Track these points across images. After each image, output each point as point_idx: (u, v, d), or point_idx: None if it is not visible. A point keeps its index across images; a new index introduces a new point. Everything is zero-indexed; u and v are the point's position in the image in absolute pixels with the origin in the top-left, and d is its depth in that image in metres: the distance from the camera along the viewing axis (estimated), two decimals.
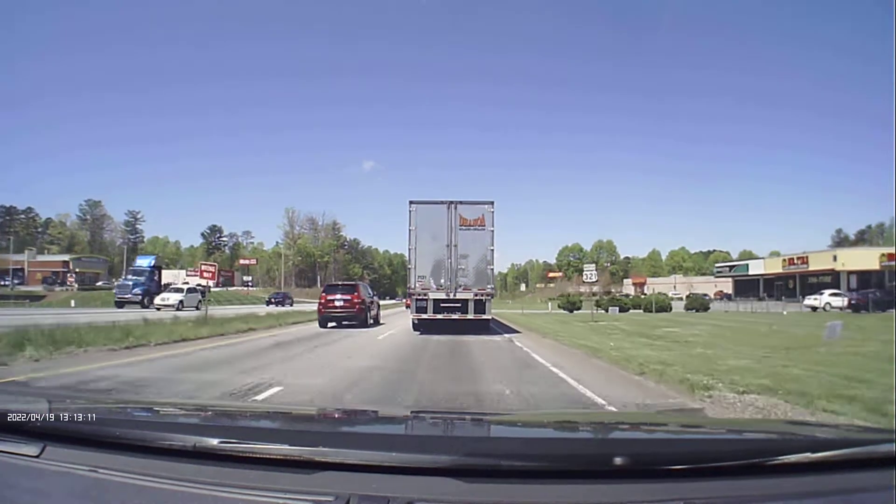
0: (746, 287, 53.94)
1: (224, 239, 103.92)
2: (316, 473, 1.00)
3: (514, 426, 1.70)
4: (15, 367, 6.76)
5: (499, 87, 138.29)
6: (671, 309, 32.11)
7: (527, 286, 40.98)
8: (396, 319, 20.57)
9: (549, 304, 38.23)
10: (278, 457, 1.04)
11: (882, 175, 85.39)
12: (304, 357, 8.47)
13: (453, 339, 11.32)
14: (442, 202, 13.35)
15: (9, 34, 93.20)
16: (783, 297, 42.19)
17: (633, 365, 6.96)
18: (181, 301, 25.68)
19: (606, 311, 28.66)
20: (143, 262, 32.75)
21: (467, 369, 6.61)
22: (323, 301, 16.09)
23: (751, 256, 66.92)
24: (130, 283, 29.19)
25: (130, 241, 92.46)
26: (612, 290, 62.72)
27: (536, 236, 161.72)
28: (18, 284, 56.86)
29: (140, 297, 27.50)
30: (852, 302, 28.63)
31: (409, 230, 13.27)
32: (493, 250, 13.32)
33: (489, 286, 13.38)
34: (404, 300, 40.24)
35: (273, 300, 43.10)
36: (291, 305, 39.37)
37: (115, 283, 36.28)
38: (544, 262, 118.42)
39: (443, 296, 13.11)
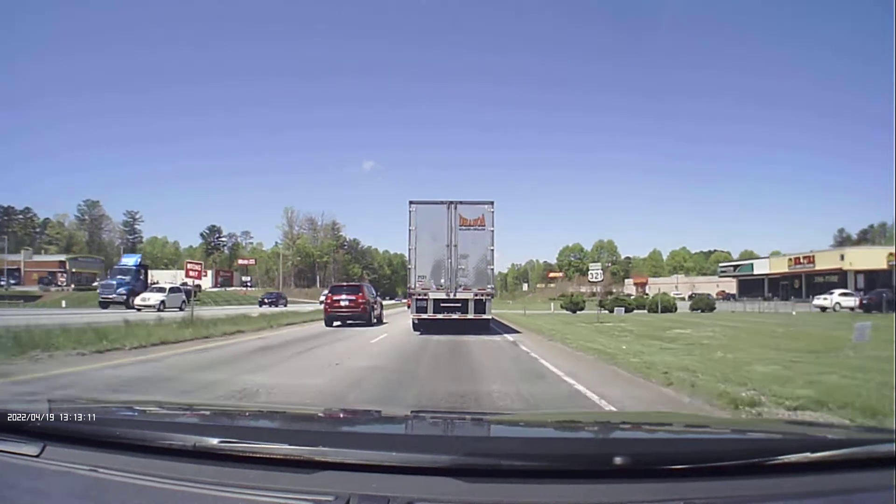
0: (751, 287, 53.18)
1: (223, 239, 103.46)
2: (316, 473, 0.99)
3: (515, 426, 1.70)
4: None
5: (499, 87, 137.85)
6: (676, 309, 31.40)
7: (528, 286, 40.22)
8: (398, 319, 20.61)
9: (552, 304, 37.44)
10: (278, 456, 1.04)
11: (882, 175, 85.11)
12: (284, 365, 7.66)
13: (454, 345, 10.28)
14: (442, 202, 13.28)
15: (8, 34, 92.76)
16: (792, 297, 41.42)
17: (656, 373, 6.18)
18: (162, 301, 24.54)
19: (611, 311, 27.90)
20: (129, 260, 31.62)
21: (470, 386, 5.65)
22: (329, 301, 16.75)
23: (752, 256, 66.36)
24: (114, 282, 28.02)
25: (129, 241, 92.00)
26: (614, 290, 62.04)
27: (537, 236, 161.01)
28: (15, 285, 56.37)
29: (125, 297, 26.43)
30: (864, 302, 27.87)
31: (409, 230, 13.21)
32: (493, 250, 13.25)
33: (489, 286, 13.30)
34: (405, 300, 39.71)
35: (266, 301, 41.87)
36: (285, 306, 38.34)
37: (99, 283, 35.22)
38: (545, 262, 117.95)
39: (443, 296, 13.04)
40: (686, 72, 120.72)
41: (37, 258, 68.33)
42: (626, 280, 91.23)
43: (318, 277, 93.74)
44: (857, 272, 41.14)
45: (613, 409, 4.70)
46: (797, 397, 4.75)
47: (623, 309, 27.93)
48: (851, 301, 30.44)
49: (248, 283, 76.19)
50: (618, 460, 0.98)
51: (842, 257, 42.72)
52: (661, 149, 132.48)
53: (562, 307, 34.13)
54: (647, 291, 64.35)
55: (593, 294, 59.98)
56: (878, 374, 5.97)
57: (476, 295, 13.07)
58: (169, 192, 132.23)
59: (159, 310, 22.33)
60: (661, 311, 29.12)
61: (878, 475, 1.00)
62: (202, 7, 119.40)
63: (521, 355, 9.02)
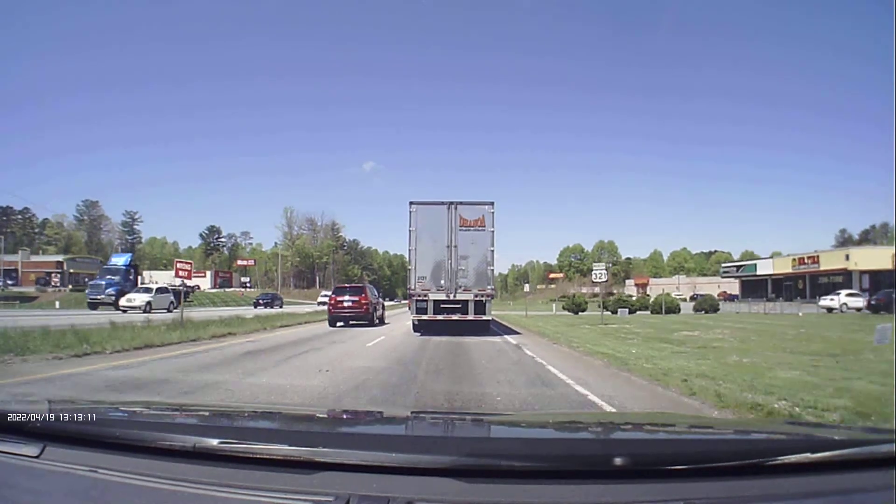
0: (754, 287, 52.65)
1: (223, 240, 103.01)
2: (316, 474, 0.99)
3: (515, 426, 1.69)
4: None
5: (499, 87, 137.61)
6: (680, 310, 30.87)
7: (529, 287, 39.71)
8: (399, 319, 20.63)
9: (553, 305, 36.94)
10: (278, 457, 1.03)
11: (883, 175, 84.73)
12: (271, 371, 7.15)
13: (454, 350, 9.57)
14: (442, 203, 13.20)
15: (8, 34, 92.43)
16: (798, 298, 40.91)
17: (674, 381, 5.66)
18: (149, 303, 23.55)
19: (615, 312, 27.42)
20: (118, 260, 30.88)
21: (473, 397, 5.10)
22: (333, 302, 17.16)
23: (752, 257, 65.97)
24: (103, 283, 27.16)
25: (128, 241, 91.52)
26: (614, 291, 61.48)
27: (537, 237, 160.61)
28: (12, 285, 55.90)
29: (114, 297, 25.55)
30: (872, 302, 27.30)
31: (410, 231, 13.16)
32: (493, 251, 13.19)
33: (489, 287, 13.24)
34: (405, 301, 39.34)
35: (261, 302, 41.12)
36: (281, 307, 37.52)
37: (88, 284, 34.43)
38: (545, 262, 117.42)
39: (443, 297, 13.00)
40: (686, 72, 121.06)
41: (34, 258, 67.77)
42: (626, 281, 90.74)
43: (317, 278, 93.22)
44: (862, 272, 40.61)
45: None
46: (834, 407, 4.29)
47: (627, 310, 27.45)
48: (859, 301, 29.88)
49: (248, 284, 75.82)
50: (618, 461, 0.97)
51: (847, 257, 42.18)
52: (661, 149, 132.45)
53: (563, 308, 33.64)
54: (648, 292, 63.83)
55: (594, 295, 59.56)
56: None
57: (476, 296, 13.00)
58: (168, 193, 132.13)
59: (145, 311, 21.59)
60: (665, 313, 28.60)
61: (879, 475, 0.99)
62: (202, 7, 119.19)
63: (526, 360, 8.45)
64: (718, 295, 54.68)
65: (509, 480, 0.97)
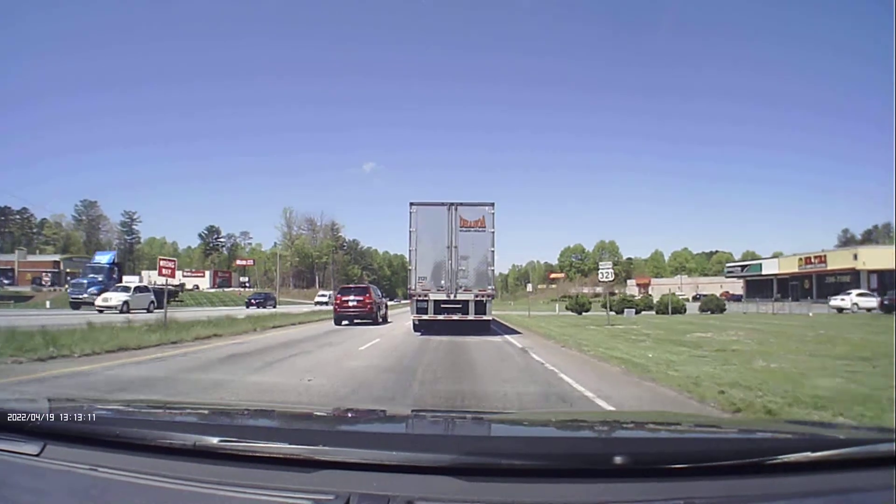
0: (759, 287, 51.77)
1: (222, 240, 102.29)
2: (316, 472, 0.98)
3: (515, 425, 1.68)
4: None
5: (499, 87, 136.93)
6: (685, 310, 30.16)
7: (532, 287, 39.03)
8: (400, 319, 20.65)
9: (556, 305, 36.21)
10: (279, 455, 1.02)
11: (883, 175, 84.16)
12: (248, 380, 6.43)
13: (455, 357, 8.63)
14: (442, 203, 13.24)
15: (7, 34, 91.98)
16: (808, 297, 40.09)
17: (707, 392, 4.92)
18: (125, 302, 22.04)
19: (620, 312, 26.69)
20: (102, 258, 29.99)
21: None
22: (338, 301, 18.01)
23: (754, 257, 65.18)
24: (85, 281, 26.09)
25: (127, 241, 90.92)
26: (616, 291, 60.71)
27: (537, 237, 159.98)
28: (8, 284, 55.32)
29: (96, 296, 24.36)
30: (885, 303, 26.54)
31: (410, 231, 13.19)
32: (493, 251, 13.22)
33: (489, 287, 13.27)
34: (404, 301, 38.72)
35: (253, 302, 39.66)
36: (274, 307, 36.35)
37: (69, 282, 33.44)
38: (545, 262, 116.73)
39: (443, 297, 13.02)
40: (686, 72, 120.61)
41: (31, 258, 67.14)
42: (627, 281, 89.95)
43: (316, 278, 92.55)
44: (870, 272, 39.77)
45: None
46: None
47: (633, 310, 26.72)
48: (871, 301, 29.08)
49: (247, 284, 75.12)
50: (618, 460, 0.97)
51: (855, 257, 41.29)
52: (661, 149, 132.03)
53: (567, 308, 32.97)
54: (650, 292, 63.07)
55: (596, 295, 58.69)
56: None
57: (476, 296, 12.98)
58: (168, 193, 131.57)
59: (122, 311, 20.55)
60: (671, 313, 27.89)
61: (879, 475, 0.99)
62: (201, 6, 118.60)
63: (535, 367, 7.61)
64: (721, 295, 53.90)
65: (510, 479, 0.96)
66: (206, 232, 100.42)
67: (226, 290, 69.80)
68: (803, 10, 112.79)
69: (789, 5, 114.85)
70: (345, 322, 17.54)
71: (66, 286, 50.43)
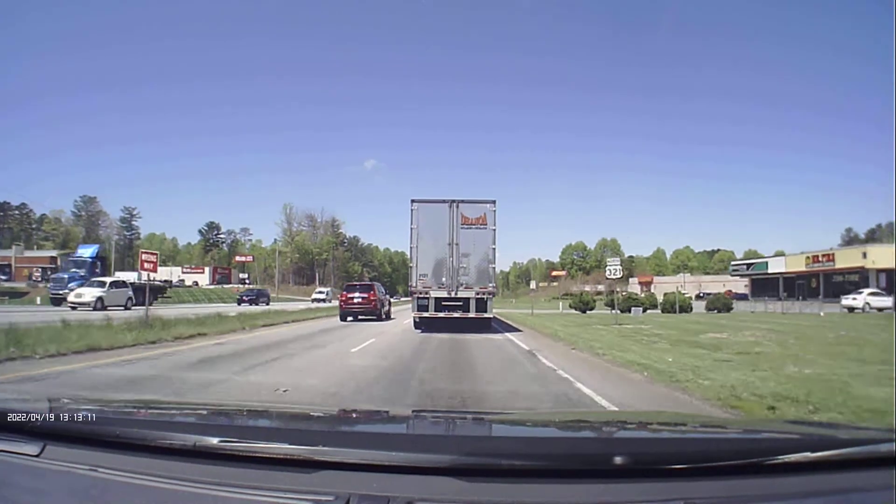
0: (764, 286, 50.94)
1: (222, 236, 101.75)
2: (316, 473, 0.98)
3: (515, 425, 1.67)
4: None
5: (500, 86, 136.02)
6: (692, 309, 29.39)
7: (534, 285, 38.36)
8: (401, 317, 20.57)
9: (560, 303, 35.47)
10: (278, 456, 1.02)
11: (883, 175, 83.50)
12: (216, 388, 5.75)
13: (456, 363, 7.61)
14: (444, 201, 13.20)
15: (6, 34, 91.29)
16: (816, 296, 39.28)
17: (757, 407, 4.14)
18: (100, 298, 20.43)
19: (624, 311, 25.94)
20: (85, 251, 28.53)
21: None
22: (344, 298, 18.76)
23: (756, 255, 64.45)
24: (66, 276, 24.77)
25: (126, 237, 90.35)
26: (618, 289, 59.96)
27: (539, 235, 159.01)
28: (5, 280, 54.73)
29: None
30: None
31: (411, 229, 13.15)
32: (494, 249, 13.17)
33: (490, 285, 13.20)
34: (405, 298, 38.08)
35: (245, 298, 37.93)
36: (267, 304, 34.91)
37: (50, 277, 32.24)
38: (546, 260, 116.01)
39: (444, 294, 12.97)
40: (686, 72, 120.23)
41: (28, 254, 66.55)
42: (630, 279, 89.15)
43: (317, 275, 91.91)
44: (879, 271, 38.95)
45: None
46: None
47: (640, 309, 25.96)
48: (884, 301, 28.29)
49: (246, 281, 74.40)
50: (618, 460, 0.97)
51: (864, 255, 40.46)
52: (662, 149, 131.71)
53: (570, 306, 32.23)
54: (652, 290, 62.26)
55: (598, 293, 57.93)
56: None
57: (477, 294, 12.90)
58: (168, 190, 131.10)
59: (96, 308, 19.36)
60: (679, 312, 27.14)
61: (879, 475, 0.99)
62: (202, 6, 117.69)
63: (546, 374, 6.67)
64: (724, 293, 53.15)
65: (510, 479, 0.96)
66: (206, 228, 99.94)
67: (225, 286, 69.18)
68: (803, 10, 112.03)
69: (789, 5, 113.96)
70: (349, 318, 18.17)
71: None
